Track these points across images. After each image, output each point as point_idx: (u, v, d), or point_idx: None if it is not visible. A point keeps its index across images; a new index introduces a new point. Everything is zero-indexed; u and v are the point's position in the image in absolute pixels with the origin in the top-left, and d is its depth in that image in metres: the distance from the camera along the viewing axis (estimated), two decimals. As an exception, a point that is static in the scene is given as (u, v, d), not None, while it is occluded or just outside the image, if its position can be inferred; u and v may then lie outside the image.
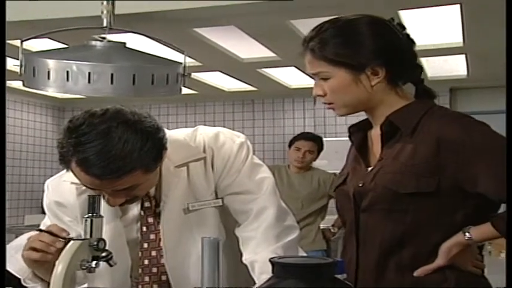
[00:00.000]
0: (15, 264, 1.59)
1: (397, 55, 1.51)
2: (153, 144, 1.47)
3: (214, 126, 1.75)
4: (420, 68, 1.57)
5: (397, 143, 1.50)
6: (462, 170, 1.42)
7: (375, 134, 1.58)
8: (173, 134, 1.65)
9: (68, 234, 1.50)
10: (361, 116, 1.63)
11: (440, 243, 1.45)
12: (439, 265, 1.45)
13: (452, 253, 1.44)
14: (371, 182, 1.50)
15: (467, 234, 1.43)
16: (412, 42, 1.55)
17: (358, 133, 1.62)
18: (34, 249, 1.50)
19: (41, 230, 1.52)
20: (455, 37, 4.18)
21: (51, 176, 1.76)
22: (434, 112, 1.51)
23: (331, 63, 1.48)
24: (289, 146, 4.50)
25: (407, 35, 1.54)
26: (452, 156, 1.42)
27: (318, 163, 4.60)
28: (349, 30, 1.51)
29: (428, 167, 1.43)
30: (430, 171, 1.43)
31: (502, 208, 1.44)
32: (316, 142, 4.45)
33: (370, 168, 1.54)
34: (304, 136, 4.52)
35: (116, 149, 1.41)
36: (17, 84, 5.47)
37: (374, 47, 1.48)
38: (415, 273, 1.47)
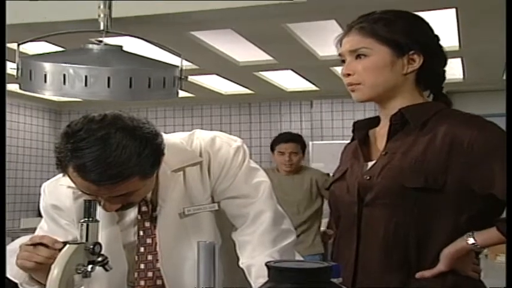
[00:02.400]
0: (11, 269, 1.58)
1: (435, 51, 1.59)
2: (151, 151, 1.47)
3: (211, 129, 1.75)
4: (443, 77, 1.62)
5: (404, 138, 1.51)
6: (472, 170, 1.43)
7: (381, 130, 1.60)
8: (170, 138, 1.64)
9: (60, 243, 1.48)
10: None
11: (442, 244, 1.45)
12: (441, 270, 1.44)
13: (455, 258, 1.44)
14: (378, 175, 1.50)
15: (471, 239, 1.42)
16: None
17: (362, 130, 1.65)
18: (33, 262, 1.49)
19: (33, 244, 1.50)
20: (451, 41, 4.18)
21: (48, 179, 1.75)
22: (447, 112, 1.54)
23: (379, 39, 1.53)
24: (272, 150, 4.36)
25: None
26: (462, 156, 1.43)
27: (314, 166, 4.57)
28: (400, 16, 1.58)
29: (437, 165, 1.44)
30: (439, 169, 1.44)
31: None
32: (296, 142, 4.31)
33: (372, 163, 1.55)
34: (283, 138, 4.37)
35: (113, 155, 1.41)
36: (13, 87, 5.45)
37: (420, 35, 1.56)
38: (417, 276, 1.46)
